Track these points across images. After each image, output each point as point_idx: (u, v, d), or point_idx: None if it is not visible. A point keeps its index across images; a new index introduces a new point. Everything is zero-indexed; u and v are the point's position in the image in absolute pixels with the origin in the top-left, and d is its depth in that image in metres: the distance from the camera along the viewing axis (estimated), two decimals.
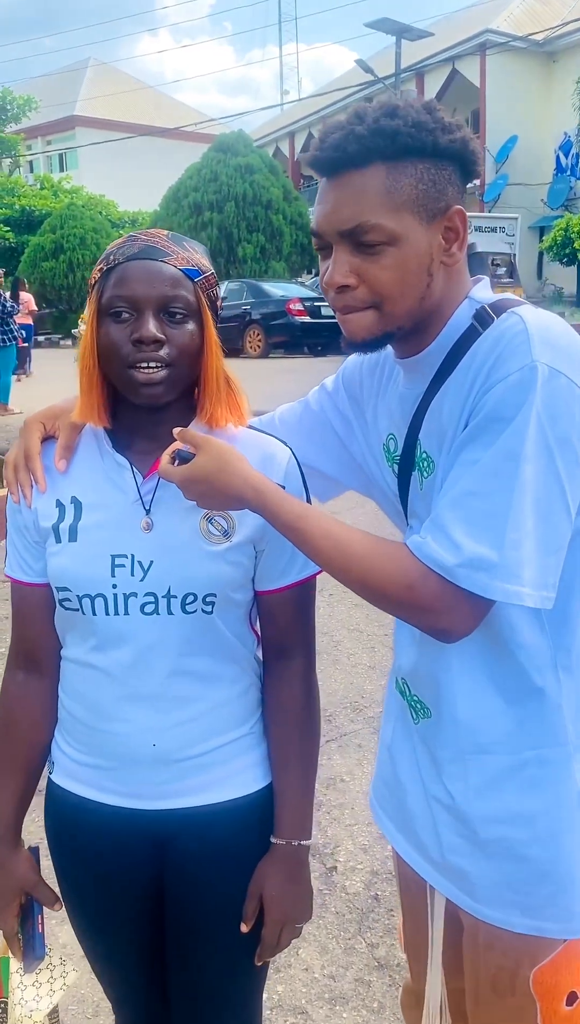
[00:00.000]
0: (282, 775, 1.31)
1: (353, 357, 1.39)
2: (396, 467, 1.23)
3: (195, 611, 1.23)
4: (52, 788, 1.35)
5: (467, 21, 28.26)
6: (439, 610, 1.04)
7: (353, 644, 4.07)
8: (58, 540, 1.25)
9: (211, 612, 1.23)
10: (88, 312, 1.21)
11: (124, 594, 1.22)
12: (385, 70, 23.60)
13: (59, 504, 1.26)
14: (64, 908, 1.37)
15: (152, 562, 1.22)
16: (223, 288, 19.09)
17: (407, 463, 1.20)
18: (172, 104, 52.20)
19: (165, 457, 1.14)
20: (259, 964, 1.33)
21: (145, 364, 1.15)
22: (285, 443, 1.30)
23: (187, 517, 1.23)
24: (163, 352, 1.16)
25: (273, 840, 1.30)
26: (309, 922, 2.36)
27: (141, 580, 1.22)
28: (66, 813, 1.33)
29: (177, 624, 1.23)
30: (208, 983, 1.32)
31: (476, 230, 18.70)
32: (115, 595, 1.22)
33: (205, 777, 1.27)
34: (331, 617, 4.27)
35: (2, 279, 11.57)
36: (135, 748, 1.25)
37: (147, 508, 1.23)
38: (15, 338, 11.11)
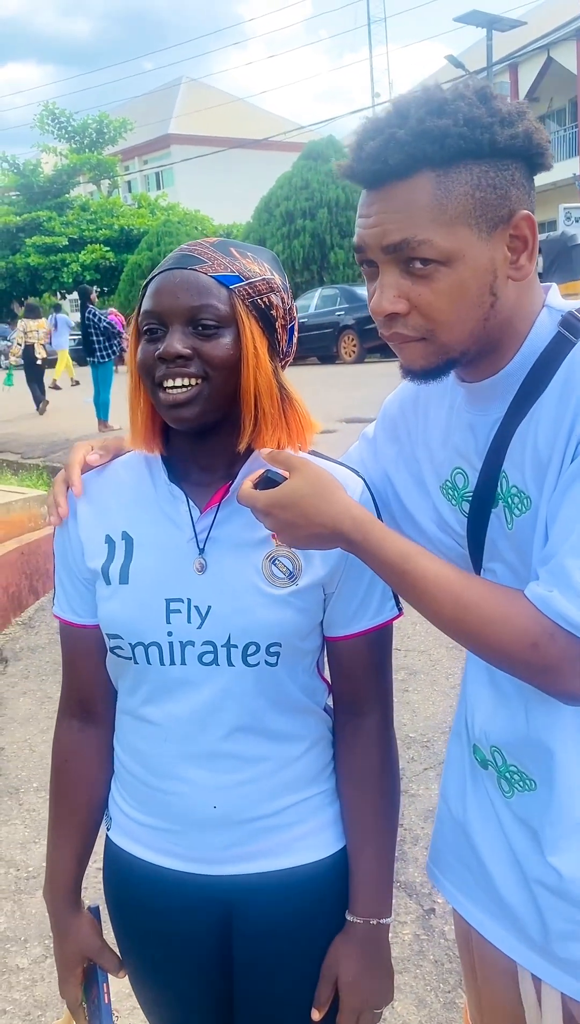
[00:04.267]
0: (358, 847, 1.18)
1: (391, 396, 1.25)
2: (466, 505, 1.08)
3: (258, 663, 1.11)
4: (110, 847, 1.26)
5: (562, 6, 27.39)
6: (567, 671, 0.91)
7: (452, 663, 3.89)
8: (108, 582, 1.15)
9: (275, 664, 1.12)
10: (130, 331, 1.13)
11: (180, 642, 1.11)
12: (478, 64, 23.12)
13: (109, 540, 1.16)
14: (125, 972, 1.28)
15: (210, 607, 1.11)
16: (316, 295, 19.36)
17: (485, 499, 1.05)
18: (263, 115, 52.78)
19: (247, 481, 1.02)
20: None
21: (172, 383, 1.05)
22: (358, 473, 1.16)
23: (246, 557, 1.11)
24: (192, 368, 1.05)
25: (349, 918, 1.17)
26: (406, 971, 2.26)
27: (198, 627, 1.11)
28: (126, 875, 1.23)
29: (238, 677, 1.11)
30: None
31: (576, 221, 18.07)
32: (170, 643, 1.12)
33: (273, 840, 1.16)
34: (428, 634, 4.10)
35: (96, 297, 11.88)
36: (195, 809, 1.15)
37: (201, 547, 1.12)
38: (113, 354, 11.37)
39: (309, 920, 1.18)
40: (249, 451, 1.14)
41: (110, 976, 1.28)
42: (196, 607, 1.11)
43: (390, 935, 2.31)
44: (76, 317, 18.95)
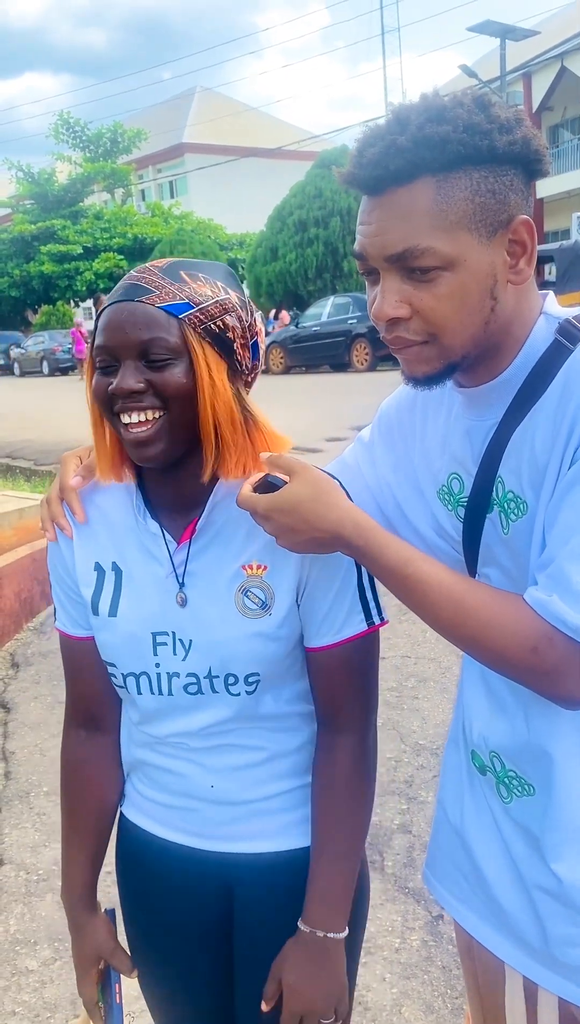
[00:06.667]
0: (316, 859, 1.18)
1: (388, 400, 1.26)
2: (462, 510, 1.09)
3: (239, 693, 1.14)
4: (123, 821, 1.31)
5: (575, 16, 27.43)
6: (567, 675, 0.92)
7: None
8: (97, 614, 1.19)
9: (255, 691, 1.14)
10: (86, 364, 1.12)
11: (167, 673, 1.15)
12: (491, 73, 23.16)
13: (98, 567, 1.19)
14: (131, 952, 1.31)
15: (192, 641, 1.14)
16: (329, 303, 19.39)
17: (480, 504, 1.06)
18: (277, 124, 52.95)
19: (247, 485, 1.03)
20: None
21: (129, 419, 1.05)
22: (333, 476, 1.11)
23: (221, 591, 1.13)
24: (147, 401, 1.04)
25: (299, 924, 1.17)
26: (414, 977, 2.26)
27: (183, 660, 1.14)
28: (136, 848, 1.28)
29: (224, 703, 1.15)
30: None
31: None
32: (158, 674, 1.16)
33: (268, 823, 1.20)
34: (438, 641, 4.10)
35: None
36: (196, 788, 1.20)
37: (181, 581, 1.14)
38: None
39: (298, 902, 1.19)
40: (215, 480, 1.13)
41: (123, 978, 1.30)
42: (180, 640, 1.14)
43: (398, 941, 2.33)
44: (89, 325, 19.19)
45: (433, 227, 0.93)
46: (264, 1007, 1.19)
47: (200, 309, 1.05)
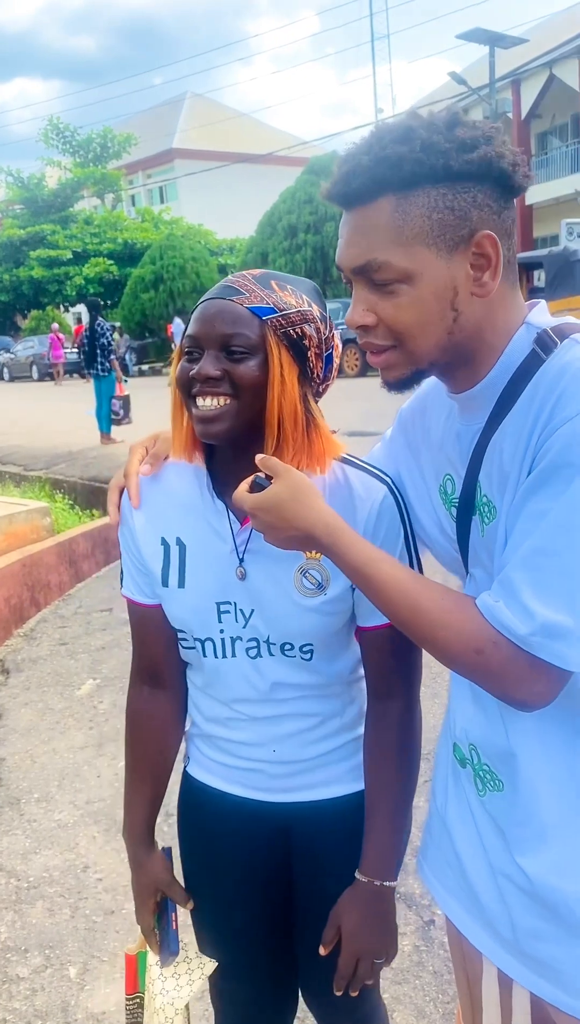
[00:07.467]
0: (374, 814, 1.30)
1: (406, 403, 1.31)
2: (454, 510, 1.13)
3: (294, 657, 1.27)
4: (186, 777, 1.45)
5: (563, 24, 27.64)
6: (512, 678, 0.96)
7: None
8: (166, 585, 1.30)
9: (310, 658, 1.26)
10: (176, 352, 1.23)
11: (231, 638, 1.27)
12: (481, 80, 23.30)
13: (164, 542, 1.29)
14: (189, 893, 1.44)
15: (253, 611, 1.26)
16: None
17: (467, 506, 1.10)
18: (267, 130, 53.10)
19: (243, 484, 1.10)
20: (338, 993, 1.33)
21: (204, 402, 1.15)
22: (386, 477, 1.23)
23: (280, 568, 1.23)
24: (222, 388, 1.15)
25: (357, 876, 1.30)
26: (406, 982, 2.26)
27: (244, 627, 1.27)
28: (199, 800, 1.41)
29: (280, 664, 1.28)
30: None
31: (579, 236, 18.17)
32: (222, 639, 1.28)
33: (322, 774, 1.34)
34: None
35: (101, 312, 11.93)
36: (259, 752, 1.33)
37: (241, 557, 1.25)
38: (111, 368, 11.42)
39: (350, 837, 1.33)
40: None
41: (178, 908, 1.43)
42: (241, 610, 1.27)
43: None
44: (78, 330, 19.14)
45: (390, 242, 0.98)
46: (322, 951, 1.32)
47: (282, 315, 1.16)
